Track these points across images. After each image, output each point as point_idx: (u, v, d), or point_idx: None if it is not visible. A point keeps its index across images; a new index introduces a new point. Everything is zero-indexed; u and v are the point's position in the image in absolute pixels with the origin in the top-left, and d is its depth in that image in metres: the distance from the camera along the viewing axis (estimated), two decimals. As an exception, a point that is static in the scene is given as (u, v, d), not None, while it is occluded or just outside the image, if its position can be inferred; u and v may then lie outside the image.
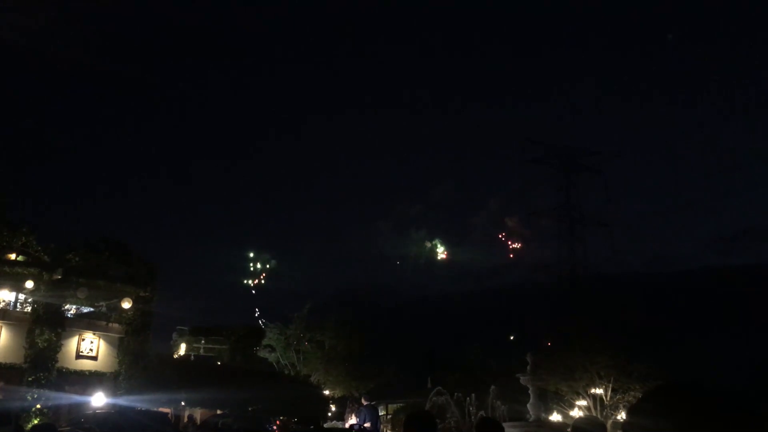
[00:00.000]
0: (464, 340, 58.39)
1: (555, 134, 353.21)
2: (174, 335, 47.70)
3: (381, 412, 35.58)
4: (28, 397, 25.81)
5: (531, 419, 24.55)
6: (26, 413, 25.08)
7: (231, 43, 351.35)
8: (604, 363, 29.58)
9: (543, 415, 27.50)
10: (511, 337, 68.45)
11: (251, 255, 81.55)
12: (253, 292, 76.57)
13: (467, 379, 39.88)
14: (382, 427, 25.45)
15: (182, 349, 47.06)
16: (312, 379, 41.94)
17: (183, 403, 31.87)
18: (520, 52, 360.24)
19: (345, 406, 41.09)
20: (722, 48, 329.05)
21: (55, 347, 27.48)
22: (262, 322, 46.07)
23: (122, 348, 29.72)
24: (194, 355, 46.91)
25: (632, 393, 29.20)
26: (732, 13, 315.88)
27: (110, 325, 30.64)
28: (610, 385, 30.13)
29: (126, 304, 29.47)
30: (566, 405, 33.11)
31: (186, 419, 31.88)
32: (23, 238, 27.47)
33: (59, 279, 27.69)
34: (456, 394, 31.10)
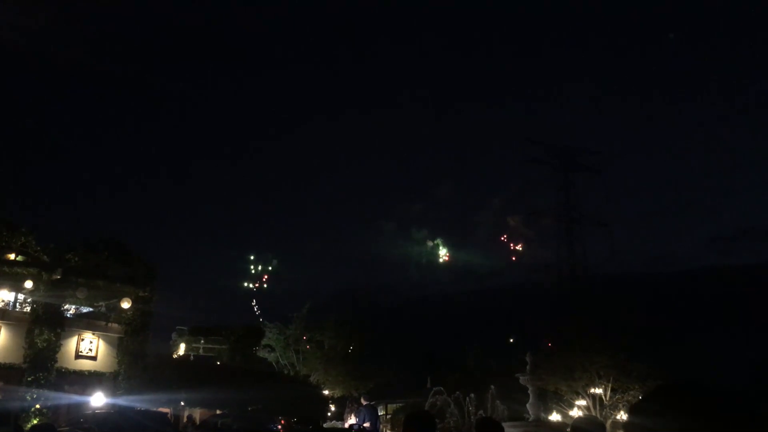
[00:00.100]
0: (464, 340, 58.31)
1: (555, 134, 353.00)
2: (173, 335, 47.67)
3: (380, 412, 35.60)
4: (28, 397, 25.78)
5: (530, 419, 24.61)
6: (25, 413, 25.07)
7: (231, 43, 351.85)
8: (603, 363, 29.57)
9: (542, 414, 27.55)
10: (511, 340, 68.48)
11: (252, 258, 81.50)
12: (255, 288, 76.42)
13: (467, 379, 39.94)
14: (381, 426, 25.44)
15: (181, 349, 47.03)
16: (311, 379, 41.94)
17: (182, 403, 31.86)
18: (519, 52, 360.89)
19: (344, 406, 41.10)
20: (722, 48, 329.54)
21: (54, 347, 27.45)
22: (261, 321, 46.02)
23: (121, 348, 29.70)
24: (193, 355, 46.88)
25: (632, 393, 29.21)
26: (732, 13, 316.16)
27: (110, 325, 30.63)
28: (610, 385, 30.12)
29: (125, 304, 29.46)
30: (565, 405, 33.10)
31: (185, 419, 31.87)
32: (22, 238, 27.44)
33: (58, 279, 27.66)
34: (455, 393, 31.13)
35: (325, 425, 33.47)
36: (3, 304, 29.02)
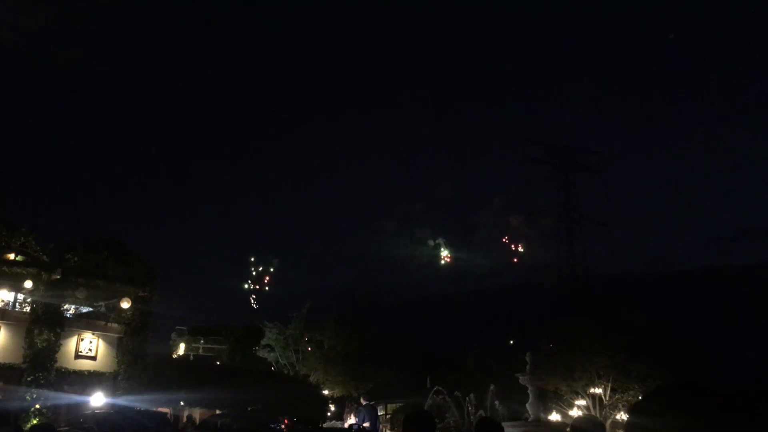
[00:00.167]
0: (464, 340, 58.29)
1: (555, 134, 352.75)
2: (173, 335, 47.73)
3: (380, 412, 35.58)
4: (27, 397, 25.80)
5: (530, 419, 24.58)
6: (25, 413, 25.10)
7: (231, 43, 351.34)
8: (603, 363, 29.59)
9: (542, 414, 27.52)
10: (511, 341, 68.53)
11: (252, 258, 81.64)
12: (256, 287, 76.53)
13: (467, 378, 39.93)
14: (381, 426, 25.43)
15: (181, 348, 47.08)
16: (311, 378, 41.97)
17: (182, 403, 31.88)
18: (519, 52, 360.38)
19: (344, 405, 41.10)
20: (722, 48, 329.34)
21: (54, 347, 27.46)
22: (263, 323, 46.02)
23: (121, 348, 29.71)
24: (193, 355, 46.92)
25: (631, 392, 29.23)
26: (732, 13, 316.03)
27: (109, 325, 30.63)
28: (609, 385, 30.14)
29: (125, 304, 29.47)
30: (565, 405, 33.11)
31: (185, 419, 31.87)
32: (22, 238, 27.47)
33: (58, 279, 27.69)
34: (455, 393, 31.11)
35: (324, 425, 33.48)
36: (3, 304, 29.01)
